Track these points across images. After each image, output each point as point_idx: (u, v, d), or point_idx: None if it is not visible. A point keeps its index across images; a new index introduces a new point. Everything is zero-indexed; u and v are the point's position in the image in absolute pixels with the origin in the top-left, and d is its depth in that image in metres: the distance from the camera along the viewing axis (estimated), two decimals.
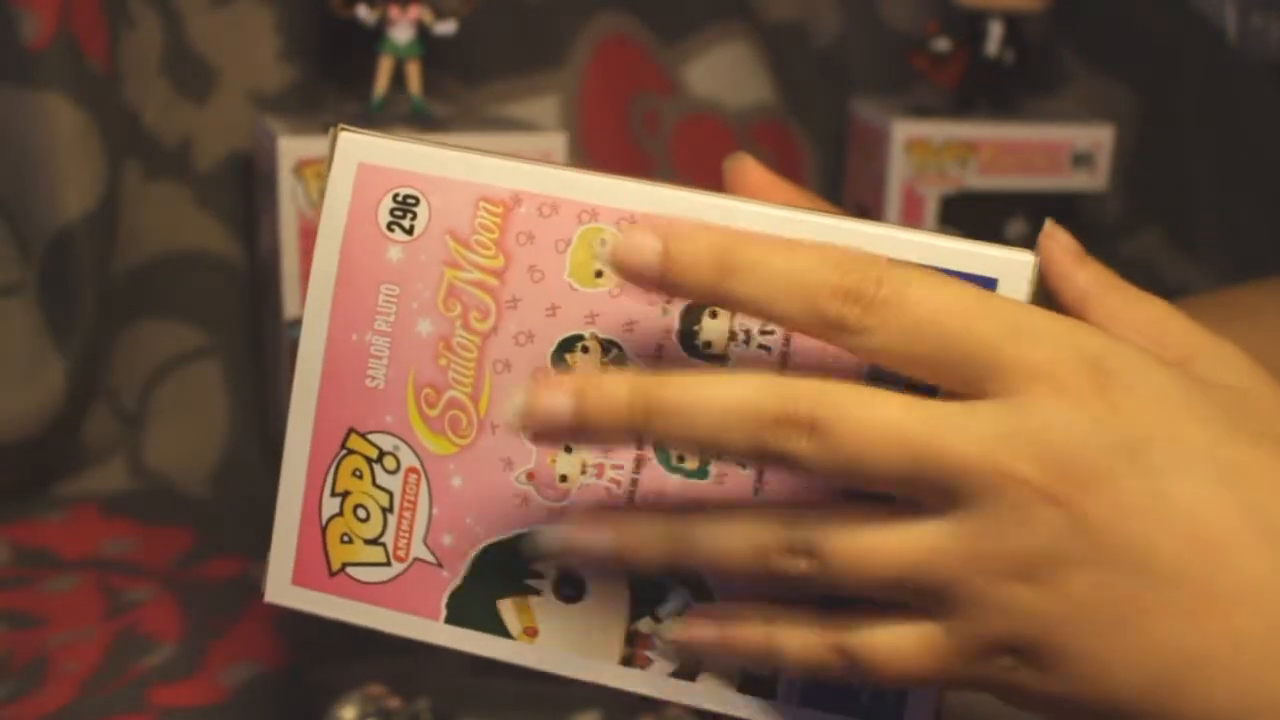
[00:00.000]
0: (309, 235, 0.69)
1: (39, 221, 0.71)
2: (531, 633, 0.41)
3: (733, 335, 0.39)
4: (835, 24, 0.87)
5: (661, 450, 0.39)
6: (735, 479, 0.39)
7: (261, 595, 0.43)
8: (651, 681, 0.41)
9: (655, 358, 0.39)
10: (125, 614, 0.64)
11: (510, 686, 0.57)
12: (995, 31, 0.81)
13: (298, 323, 0.70)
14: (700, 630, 0.38)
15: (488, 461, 0.41)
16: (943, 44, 0.82)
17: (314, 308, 0.42)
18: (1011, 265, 0.38)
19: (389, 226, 0.41)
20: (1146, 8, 0.84)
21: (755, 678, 0.40)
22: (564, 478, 0.40)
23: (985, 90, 0.83)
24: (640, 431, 0.36)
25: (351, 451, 0.42)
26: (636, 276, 0.36)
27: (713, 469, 0.39)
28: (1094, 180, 0.82)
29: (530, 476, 0.40)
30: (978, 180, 0.81)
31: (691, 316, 0.39)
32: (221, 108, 0.78)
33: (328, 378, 0.42)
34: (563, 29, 0.84)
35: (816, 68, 0.87)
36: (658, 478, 0.40)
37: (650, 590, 0.40)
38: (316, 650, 0.59)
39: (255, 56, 0.78)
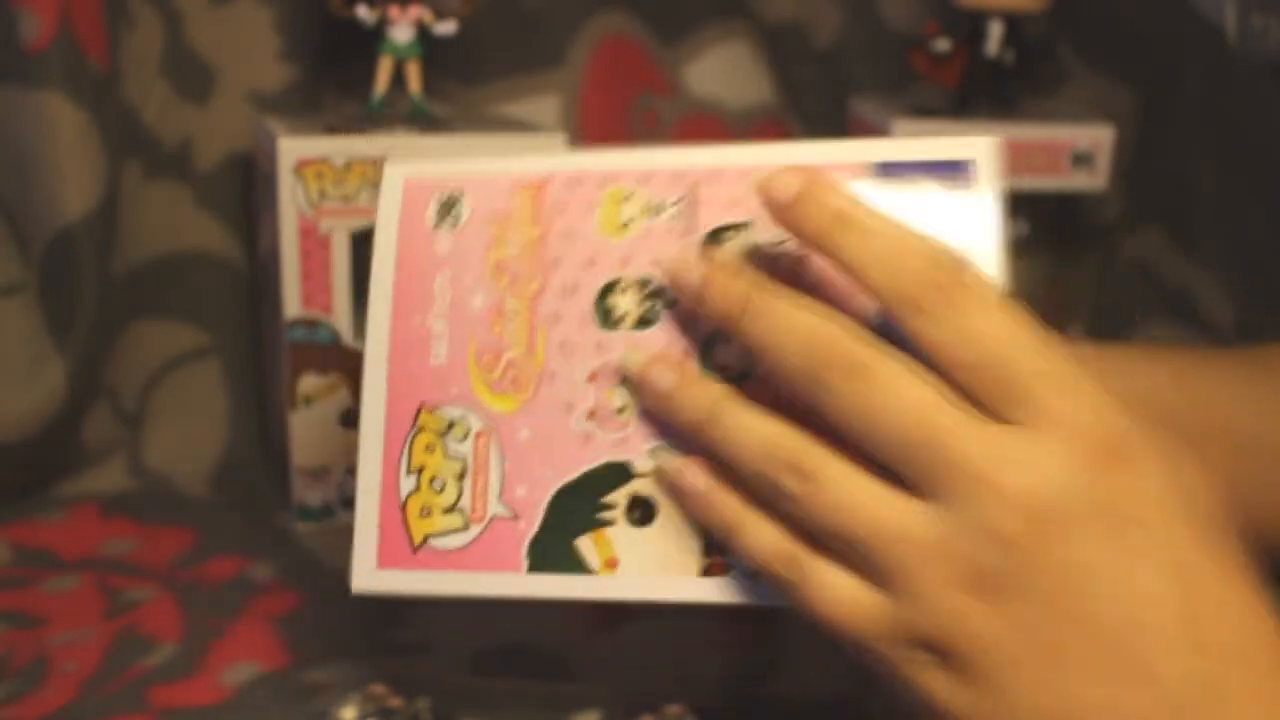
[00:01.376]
0: (309, 235, 0.69)
1: (39, 221, 0.71)
2: (612, 564, 0.43)
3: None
4: (835, 24, 0.87)
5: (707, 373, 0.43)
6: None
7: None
8: (732, 587, 0.42)
9: None
10: (125, 614, 0.64)
11: (510, 686, 0.57)
12: (995, 31, 0.81)
13: (298, 323, 0.70)
14: (692, 479, 0.42)
15: (550, 409, 0.44)
16: (943, 44, 0.82)
17: (377, 308, 0.45)
18: (981, 147, 0.41)
19: (436, 225, 0.45)
20: (1146, 8, 0.84)
21: None
22: (621, 409, 0.43)
23: (985, 90, 0.82)
24: (736, 324, 0.41)
25: (423, 428, 0.45)
26: (770, 203, 0.41)
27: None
28: (1094, 180, 0.82)
29: (591, 415, 0.43)
30: None
31: (712, 240, 0.43)
32: (221, 108, 0.78)
33: (394, 365, 0.45)
34: (563, 29, 0.84)
35: (816, 68, 0.87)
36: None
37: None
38: (316, 650, 0.60)
39: (255, 56, 0.78)
